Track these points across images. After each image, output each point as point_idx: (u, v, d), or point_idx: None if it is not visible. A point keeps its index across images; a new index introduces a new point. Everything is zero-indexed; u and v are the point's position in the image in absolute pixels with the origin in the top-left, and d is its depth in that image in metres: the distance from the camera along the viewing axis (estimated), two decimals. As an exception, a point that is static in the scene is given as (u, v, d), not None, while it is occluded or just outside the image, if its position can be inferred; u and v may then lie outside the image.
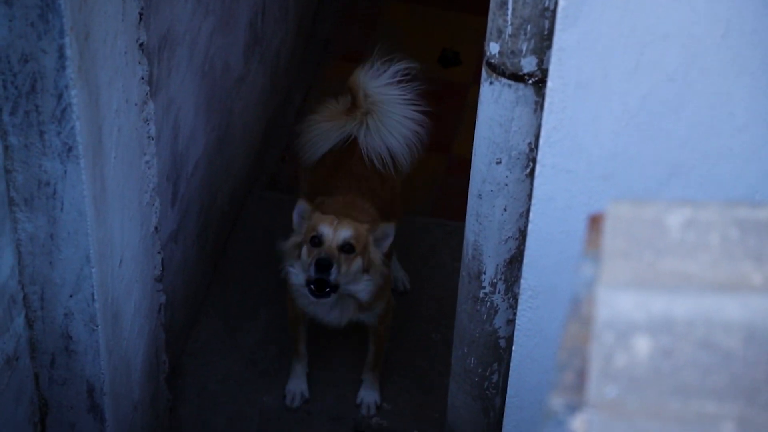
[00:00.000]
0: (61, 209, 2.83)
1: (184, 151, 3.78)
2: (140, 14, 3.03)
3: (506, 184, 2.92)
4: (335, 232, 3.65)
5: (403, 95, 4.00)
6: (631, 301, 1.39)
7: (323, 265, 3.59)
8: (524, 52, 2.70)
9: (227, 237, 4.47)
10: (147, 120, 3.19)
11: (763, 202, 2.29)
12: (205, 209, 4.11)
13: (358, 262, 3.69)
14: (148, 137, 3.22)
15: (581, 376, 1.40)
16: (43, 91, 2.66)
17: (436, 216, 4.68)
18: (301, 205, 3.75)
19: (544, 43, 2.66)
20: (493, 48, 2.75)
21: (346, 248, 3.66)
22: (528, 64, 2.71)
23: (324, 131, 4.03)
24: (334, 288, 3.66)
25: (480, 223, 3.00)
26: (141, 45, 3.07)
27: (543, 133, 2.60)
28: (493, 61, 2.76)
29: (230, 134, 4.25)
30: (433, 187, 4.80)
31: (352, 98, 4.01)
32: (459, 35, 5.31)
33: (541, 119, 2.73)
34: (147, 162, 3.24)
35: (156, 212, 3.37)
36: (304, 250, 3.69)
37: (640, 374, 1.35)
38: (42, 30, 2.56)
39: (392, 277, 4.14)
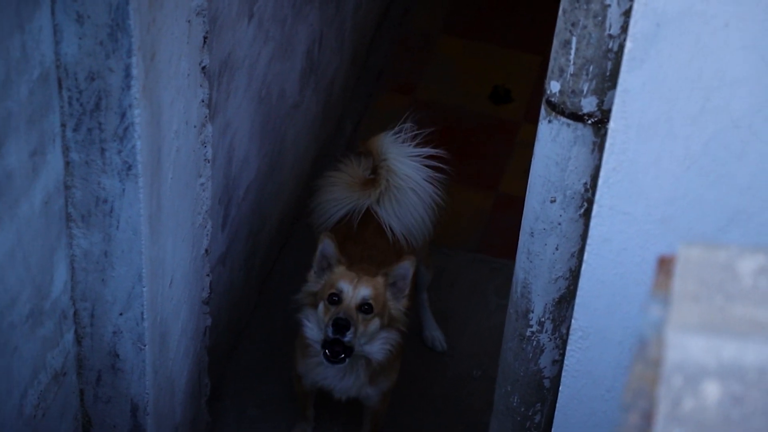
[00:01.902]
0: (117, 227, 2.85)
1: (237, 174, 3.80)
2: (204, 38, 3.06)
3: (559, 223, 2.91)
4: (354, 291, 3.57)
5: (423, 173, 3.91)
6: (702, 345, 1.38)
7: (341, 325, 3.51)
8: (585, 92, 2.70)
9: (274, 262, 4.48)
10: (204, 142, 3.22)
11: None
12: (253, 234, 4.13)
13: (375, 323, 3.61)
14: (205, 160, 3.24)
15: (646, 418, 1.39)
16: (107, 109, 2.69)
17: (482, 252, 4.67)
18: (327, 245, 3.65)
19: (605, 84, 2.66)
20: (553, 86, 2.75)
21: (365, 308, 3.57)
22: (588, 104, 2.71)
23: (338, 199, 3.95)
24: (349, 351, 3.59)
25: (531, 261, 3.00)
26: (203, 68, 3.10)
27: (602, 174, 2.59)
28: (553, 99, 2.76)
29: (282, 160, 4.28)
30: (479, 223, 4.79)
31: (373, 161, 3.94)
32: (512, 72, 5.32)
33: (598, 160, 2.73)
34: (202, 184, 3.26)
35: (207, 234, 3.39)
36: (321, 306, 3.61)
37: (709, 419, 1.34)
38: (111, 49, 2.60)
39: (402, 350, 3.97)
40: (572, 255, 2.94)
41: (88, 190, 2.82)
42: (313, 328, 3.66)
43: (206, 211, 3.34)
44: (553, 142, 2.82)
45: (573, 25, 2.63)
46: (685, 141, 2.46)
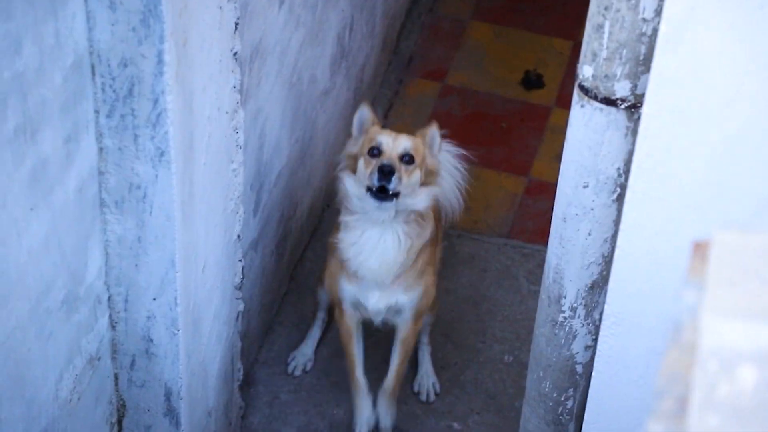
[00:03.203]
0: (150, 213, 2.87)
1: (269, 161, 3.81)
2: (236, 24, 3.06)
3: (592, 209, 2.89)
4: (395, 142, 3.61)
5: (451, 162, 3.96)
6: (738, 330, 1.37)
7: (386, 171, 3.51)
8: (618, 76, 2.68)
9: (305, 248, 4.49)
10: (236, 128, 3.22)
11: None
12: (284, 220, 4.14)
13: (417, 174, 3.62)
14: (237, 146, 3.25)
15: (682, 403, 1.39)
16: (140, 96, 2.70)
17: (513, 237, 4.66)
18: (364, 111, 3.70)
19: (639, 68, 2.64)
20: (586, 71, 2.73)
21: (406, 159, 3.60)
22: (621, 88, 2.69)
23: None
24: (396, 195, 3.57)
25: (563, 247, 2.98)
26: (235, 54, 3.11)
27: (636, 159, 2.58)
28: (585, 84, 2.75)
29: (313, 146, 4.28)
30: (510, 208, 4.78)
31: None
32: (543, 58, 5.29)
33: (631, 145, 2.71)
34: (234, 170, 3.27)
35: (239, 220, 3.40)
36: (362, 162, 3.62)
37: (745, 404, 1.33)
38: (143, 35, 2.61)
39: (438, 259, 4.00)
40: (605, 240, 2.93)
41: (122, 176, 2.83)
42: (354, 184, 3.65)
43: (238, 197, 3.35)
44: (586, 127, 2.81)
45: (606, 8, 2.62)
46: (719, 126, 2.44)
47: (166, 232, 2.89)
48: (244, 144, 3.39)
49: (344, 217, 3.71)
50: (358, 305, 3.83)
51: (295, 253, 4.38)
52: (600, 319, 2.93)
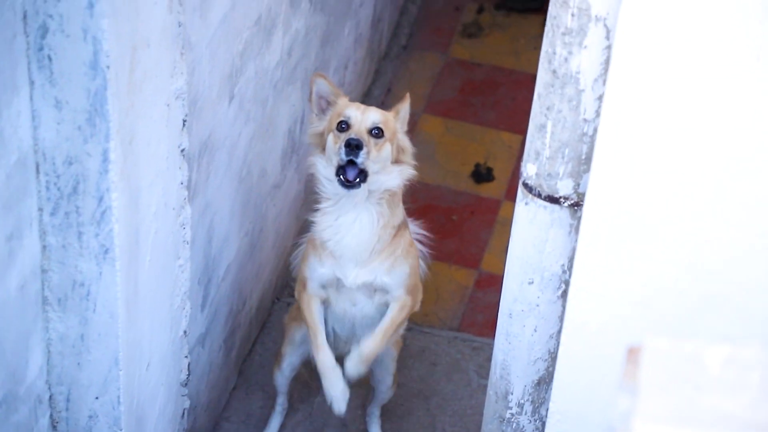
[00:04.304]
0: (94, 310, 2.84)
1: (217, 255, 3.80)
2: (184, 120, 3.08)
3: (537, 305, 2.91)
4: (363, 116, 3.51)
5: None
6: (669, 438, 1.38)
7: (354, 145, 3.41)
8: (561, 175, 2.72)
9: (254, 342, 4.46)
10: (183, 224, 3.22)
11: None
12: (233, 314, 4.11)
13: (387, 148, 3.53)
14: (184, 241, 3.25)
15: None
16: (85, 193, 2.70)
17: (463, 331, 4.66)
18: (320, 83, 3.59)
19: (581, 167, 2.68)
20: (530, 169, 2.77)
21: (375, 132, 3.51)
22: (564, 187, 2.73)
23: None
24: (364, 176, 3.47)
25: (509, 343, 2.99)
26: (182, 150, 3.12)
27: (578, 257, 2.61)
28: (529, 182, 2.78)
29: (263, 239, 4.28)
30: (461, 301, 4.79)
31: None
32: (493, 151, 5.36)
33: (575, 242, 2.74)
34: (181, 266, 3.26)
35: (186, 316, 3.38)
36: (330, 138, 3.53)
37: None
38: (89, 134, 2.61)
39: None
40: (551, 336, 2.94)
41: (65, 273, 2.81)
42: (324, 165, 3.56)
43: (185, 293, 3.33)
44: (530, 224, 2.83)
45: (548, 109, 2.67)
46: (659, 225, 2.48)
47: (109, 330, 2.86)
48: (192, 239, 3.38)
49: (319, 204, 3.65)
50: (331, 284, 3.70)
51: (243, 347, 4.35)
52: (547, 416, 2.93)
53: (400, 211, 3.67)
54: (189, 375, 3.53)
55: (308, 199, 4.73)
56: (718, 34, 2.28)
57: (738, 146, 2.37)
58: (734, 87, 2.32)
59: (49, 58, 2.56)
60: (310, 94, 3.64)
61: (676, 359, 1.46)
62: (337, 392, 3.67)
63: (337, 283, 3.67)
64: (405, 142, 3.64)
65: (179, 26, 2.94)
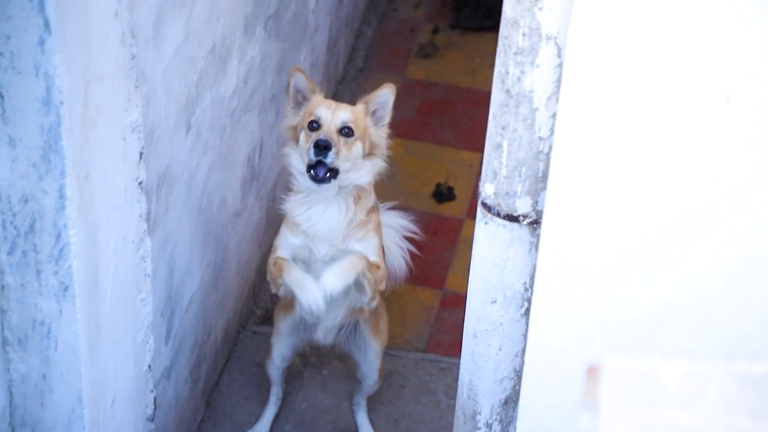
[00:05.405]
0: (55, 349, 2.82)
1: (180, 286, 3.78)
2: (141, 153, 3.07)
3: (501, 324, 2.92)
4: (333, 115, 3.60)
5: None
6: (631, 455, 1.38)
7: (322, 146, 3.52)
8: (519, 193, 2.74)
9: (221, 373, 4.44)
10: (144, 257, 3.20)
11: (757, 349, 2.29)
12: (198, 345, 4.09)
13: (357, 147, 3.63)
14: (145, 275, 3.23)
15: None
16: (42, 231, 2.68)
17: (430, 352, 4.66)
18: (299, 78, 3.69)
19: (538, 184, 2.70)
20: (488, 189, 2.78)
21: (345, 131, 3.60)
22: (523, 205, 2.74)
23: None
24: (334, 173, 3.57)
25: (475, 363, 3.00)
26: (140, 183, 3.10)
27: (538, 275, 2.62)
28: (488, 202, 2.80)
29: (225, 269, 4.27)
30: (427, 322, 4.79)
31: None
32: (453, 170, 5.38)
33: (535, 259, 2.75)
34: (142, 299, 3.24)
35: (150, 350, 3.36)
36: (302, 136, 3.63)
37: None
38: (44, 170, 2.60)
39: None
40: (516, 355, 2.95)
41: (25, 312, 2.79)
42: (297, 158, 3.65)
43: (148, 326, 3.31)
44: (491, 244, 2.84)
45: (503, 128, 2.68)
46: (616, 241, 2.50)
47: (71, 368, 2.84)
48: (153, 271, 3.36)
49: (292, 193, 3.73)
50: (302, 255, 3.74)
51: (210, 378, 4.32)
52: (515, 434, 2.93)
53: (372, 197, 3.76)
54: (155, 410, 3.50)
55: (270, 223, 4.73)
56: (666, 48, 2.31)
57: (693, 160, 2.39)
58: (684, 101, 2.34)
59: (1, 96, 2.55)
60: (288, 86, 3.73)
61: (635, 376, 1.47)
62: (309, 295, 3.66)
63: (309, 255, 3.74)
64: (378, 137, 3.71)
65: (132, 59, 2.93)
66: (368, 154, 3.68)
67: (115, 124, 2.87)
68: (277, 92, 4.52)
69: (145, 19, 3.00)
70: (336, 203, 3.67)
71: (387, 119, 3.73)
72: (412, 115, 5.59)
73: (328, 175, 3.56)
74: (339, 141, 3.58)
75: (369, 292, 3.77)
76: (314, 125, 3.61)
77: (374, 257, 3.75)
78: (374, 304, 3.88)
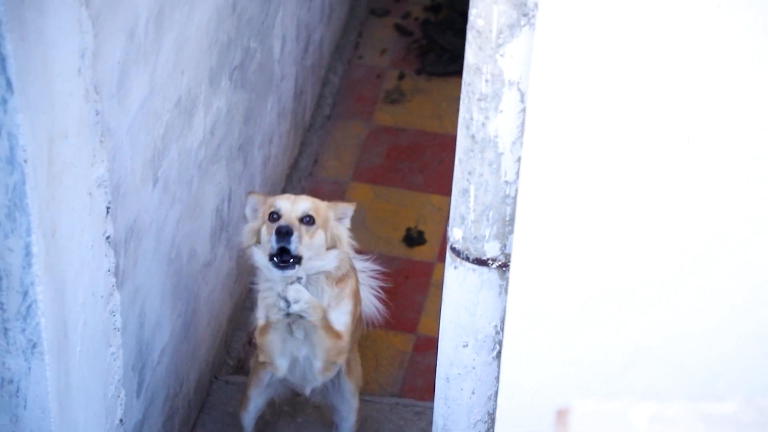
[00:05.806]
0: (24, 407, 2.79)
1: (150, 339, 3.76)
2: (107, 208, 3.06)
3: (474, 367, 2.92)
4: (293, 205, 3.64)
5: None
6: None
7: (284, 232, 3.52)
8: (487, 237, 2.75)
9: (194, 424, 4.41)
10: (113, 312, 3.19)
11: (726, 389, 2.30)
12: (171, 397, 4.06)
13: (320, 235, 3.64)
14: (114, 329, 3.21)
15: None
16: (9, 289, 2.66)
17: (405, 396, 4.65)
18: (254, 198, 3.74)
19: (506, 228, 2.71)
20: (456, 234, 2.79)
21: (306, 220, 3.62)
22: (491, 249, 2.76)
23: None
24: (297, 259, 3.57)
25: (448, 407, 2.99)
26: (108, 237, 3.09)
27: (507, 318, 2.62)
28: (456, 246, 2.81)
29: (197, 320, 4.25)
30: (400, 366, 4.79)
31: None
32: (423, 214, 5.39)
33: (505, 302, 2.76)
34: (113, 354, 3.22)
35: (121, 404, 3.33)
36: (263, 229, 3.65)
37: None
38: (9, 229, 2.59)
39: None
40: (489, 398, 2.95)
41: (-7, 371, 2.76)
42: (261, 254, 3.65)
43: (119, 381, 3.29)
44: (461, 288, 2.85)
45: (470, 173, 2.70)
46: (584, 284, 2.51)
47: (41, 426, 2.81)
48: (123, 325, 3.34)
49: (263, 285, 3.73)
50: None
51: (183, 430, 4.29)
52: (491, 479, 2.92)
53: (345, 263, 3.76)
54: (128, 464, 3.47)
55: (241, 273, 4.72)
56: (625, 91, 2.33)
57: (658, 204, 2.41)
58: (646, 144, 2.37)
59: (-35, 155, 2.54)
60: (245, 211, 3.79)
61: (604, 419, 1.48)
62: (294, 291, 3.60)
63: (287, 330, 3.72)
64: (340, 231, 3.73)
65: (97, 114, 2.94)
66: (330, 247, 3.69)
67: (80, 180, 2.86)
68: (244, 142, 4.53)
69: (108, 75, 3.01)
70: (311, 290, 3.67)
71: (347, 224, 3.78)
72: (380, 161, 5.62)
73: (291, 260, 3.56)
74: (301, 228, 3.60)
75: (321, 356, 3.73)
76: (275, 216, 3.64)
77: (341, 326, 3.74)
78: (329, 375, 3.86)
